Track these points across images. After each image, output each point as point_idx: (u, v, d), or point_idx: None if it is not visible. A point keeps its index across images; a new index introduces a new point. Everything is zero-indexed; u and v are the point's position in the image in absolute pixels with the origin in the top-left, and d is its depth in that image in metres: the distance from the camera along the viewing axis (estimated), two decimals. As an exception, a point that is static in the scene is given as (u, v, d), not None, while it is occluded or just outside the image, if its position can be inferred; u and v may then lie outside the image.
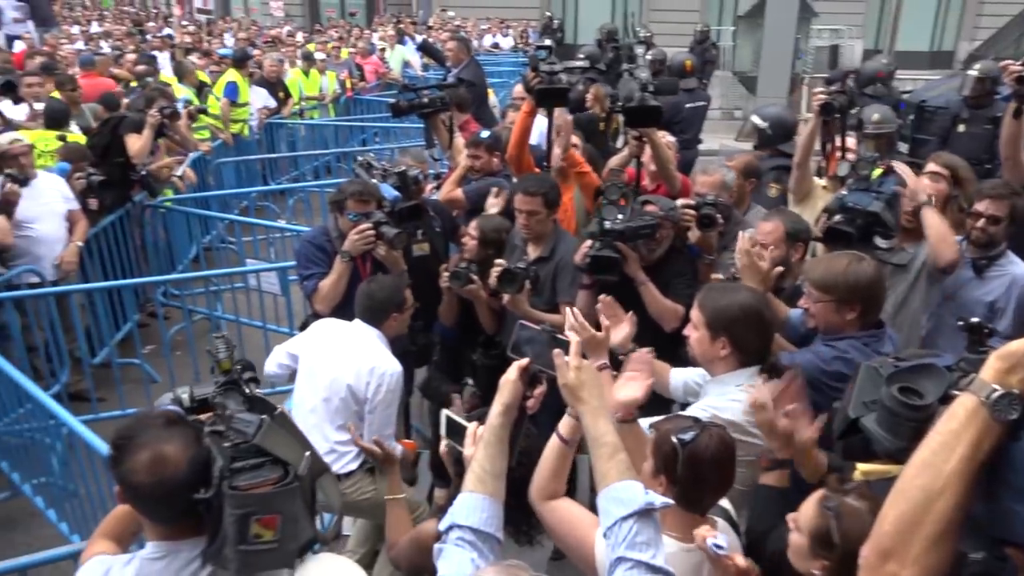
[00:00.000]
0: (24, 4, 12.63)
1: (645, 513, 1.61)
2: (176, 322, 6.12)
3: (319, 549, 3.61)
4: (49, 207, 5.26)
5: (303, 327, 3.82)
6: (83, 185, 5.51)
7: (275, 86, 9.83)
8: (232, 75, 9.05)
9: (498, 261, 3.50)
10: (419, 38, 13.45)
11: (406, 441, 3.39)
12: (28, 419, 4.51)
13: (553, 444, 1.98)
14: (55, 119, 6.15)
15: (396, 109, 5.15)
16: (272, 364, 3.42)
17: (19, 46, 11.91)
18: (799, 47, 14.18)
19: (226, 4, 23.76)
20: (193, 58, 10.27)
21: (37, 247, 5.16)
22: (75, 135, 6.20)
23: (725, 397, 2.40)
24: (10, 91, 6.21)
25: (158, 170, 6.36)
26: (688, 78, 7.98)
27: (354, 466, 3.23)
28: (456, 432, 2.27)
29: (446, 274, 3.68)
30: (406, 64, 13.61)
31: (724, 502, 2.17)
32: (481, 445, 1.84)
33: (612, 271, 3.26)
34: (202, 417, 1.91)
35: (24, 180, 5.02)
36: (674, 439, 1.97)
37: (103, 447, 3.17)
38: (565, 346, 1.82)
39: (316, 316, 3.71)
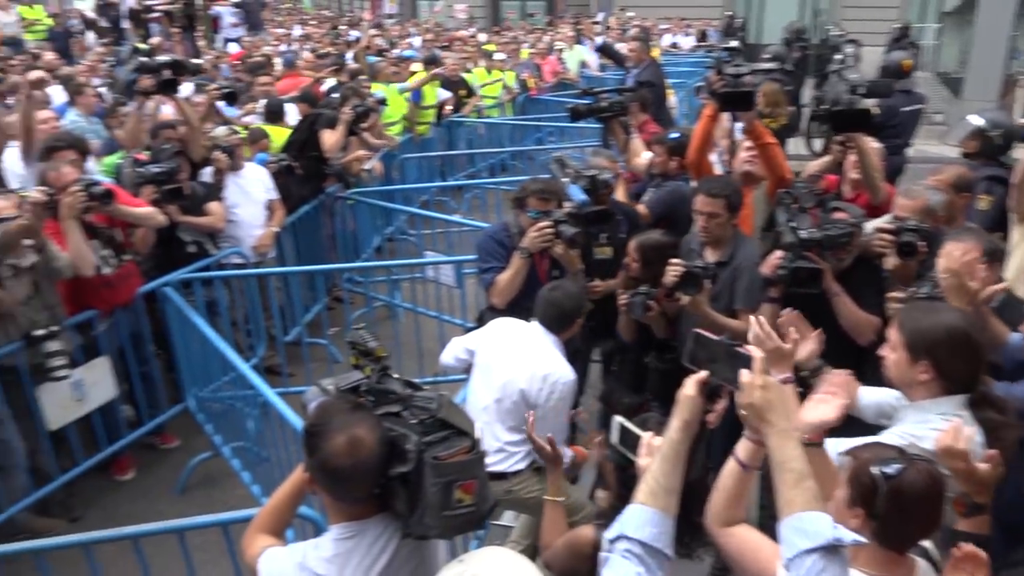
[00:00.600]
0: (240, 11, 13.85)
1: (832, 548, 1.52)
2: (359, 307, 6.51)
3: (484, 536, 3.72)
4: (251, 195, 5.75)
5: (479, 320, 3.93)
6: (275, 169, 5.97)
7: (456, 85, 10.18)
8: (420, 77, 9.47)
9: (676, 261, 3.42)
10: (598, 39, 13.45)
11: (578, 448, 3.41)
12: (230, 387, 4.97)
13: (731, 469, 1.91)
14: (274, 113, 6.73)
15: (575, 113, 5.19)
16: (449, 355, 3.54)
17: (233, 48, 13.11)
18: (1015, 45, 12.86)
19: (413, 7, 24.93)
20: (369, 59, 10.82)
21: (239, 231, 5.66)
22: (281, 129, 6.74)
23: (926, 426, 2.22)
24: (233, 100, 6.83)
25: (349, 164, 6.77)
26: (905, 79, 7.44)
27: (522, 465, 3.28)
28: (628, 440, 2.24)
29: (623, 298, 3.66)
30: (583, 64, 13.65)
31: (925, 541, 2.01)
32: (658, 458, 1.80)
33: (813, 283, 3.11)
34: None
35: (234, 167, 5.54)
36: (876, 471, 1.82)
37: (294, 419, 3.43)
38: (746, 361, 1.74)
39: (492, 309, 3.81)
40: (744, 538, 1.91)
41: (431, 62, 9.85)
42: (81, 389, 4.35)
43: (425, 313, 5.85)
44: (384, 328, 6.13)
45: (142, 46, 7.77)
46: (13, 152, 5.23)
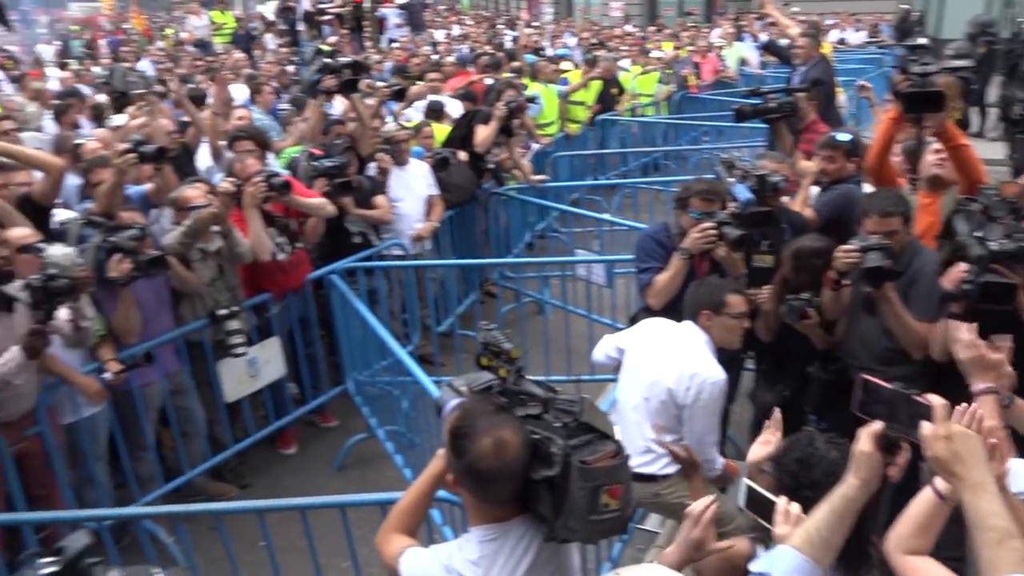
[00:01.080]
0: (404, 12, 14.42)
1: None
2: (508, 302, 6.61)
3: (628, 540, 3.66)
4: (413, 190, 5.96)
5: (632, 320, 3.89)
6: (432, 161, 6.15)
7: (609, 84, 10.12)
8: (575, 76, 9.52)
9: (848, 248, 3.21)
10: (762, 36, 12.95)
11: (730, 463, 3.30)
12: (386, 373, 5.19)
13: (926, 498, 1.77)
14: (436, 112, 6.97)
15: (740, 114, 5.02)
16: (600, 352, 3.53)
17: (396, 47, 13.67)
18: None
19: (568, 5, 25.04)
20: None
21: (400, 223, 5.88)
22: (443, 127, 6.95)
23: None
24: (400, 97, 7.10)
25: (503, 161, 6.87)
26: None
27: (671, 469, 3.20)
28: (759, 504, 2.11)
29: (768, 301, 3.50)
30: (743, 62, 13.21)
31: None
32: (826, 508, 1.71)
33: (1005, 300, 2.85)
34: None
35: (399, 162, 5.77)
36: None
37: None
38: (925, 410, 1.61)
39: (647, 310, 3.76)
40: (925, 571, 1.77)
41: (589, 63, 9.85)
42: (255, 366, 4.67)
43: (574, 311, 5.85)
44: (532, 325, 6.19)
45: (325, 48, 8.25)
46: (205, 148, 5.71)
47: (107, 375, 3.86)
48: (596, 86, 9.71)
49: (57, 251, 3.45)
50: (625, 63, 11.46)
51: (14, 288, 3.45)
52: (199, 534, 4.04)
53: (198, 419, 4.51)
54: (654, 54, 11.59)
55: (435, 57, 10.99)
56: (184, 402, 4.45)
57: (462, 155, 6.27)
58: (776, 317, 3.59)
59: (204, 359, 4.48)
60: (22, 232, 3.75)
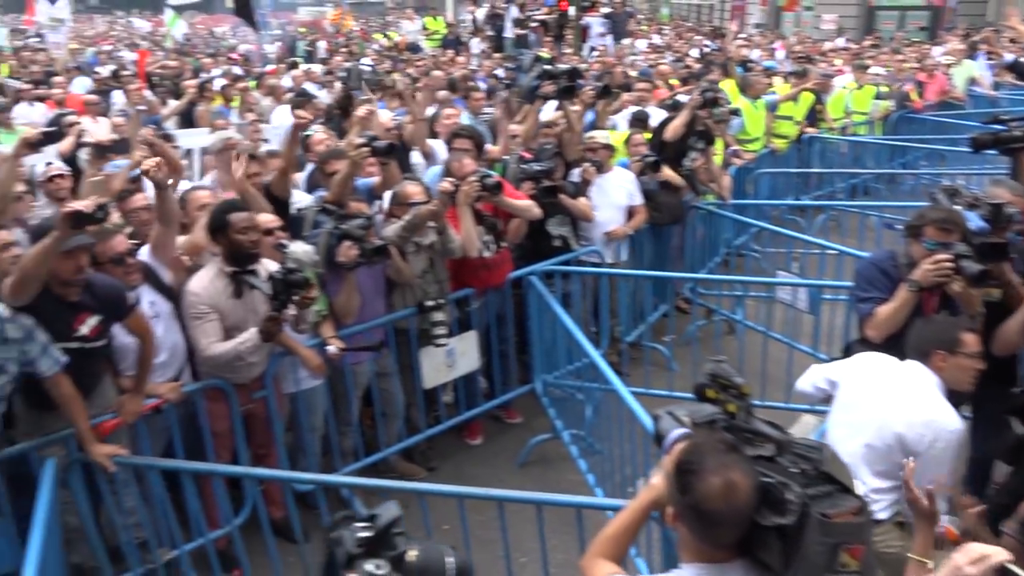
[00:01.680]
0: (608, 21, 14.52)
1: None
2: (700, 318, 6.47)
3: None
4: (612, 199, 5.97)
5: (846, 352, 3.68)
6: (640, 167, 6.12)
7: (818, 99, 9.62)
8: (783, 90, 9.15)
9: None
10: (1007, 55, 11.79)
11: (949, 529, 3.04)
12: (572, 377, 5.25)
13: None
14: (640, 121, 6.98)
15: (978, 142, 4.61)
16: (807, 383, 3.35)
17: (595, 55, 13.77)
18: None
19: (776, 17, 24.09)
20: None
21: (596, 231, 5.92)
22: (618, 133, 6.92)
23: None
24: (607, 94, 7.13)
25: (697, 168, 6.72)
26: None
27: (885, 515, 2.99)
28: None
29: None
30: (971, 82, 12.10)
31: None
32: None
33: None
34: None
35: (600, 168, 5.82)
36: None
37: (645, 418, 3.51)
38: None
39: (864, 343, 3.54)
40: None
41: (798, 76, 9.43)
42: (453, 357, 4.89)
43: (772, 335, 5.61)
44: (724, 345, 6.02)
45: (544, 54, 8.50)
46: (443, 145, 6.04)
47: (331, 349, 4.19)
48: (806, 101, 9.28)
49: (299, 248, 3.82)
50: (840, 79, 10.87)
51: (258, 279, 3.85)
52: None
53: (398, 402, 4.79)
54: (873, 69, 10.87)
55: (640, 67, 10.98)
56: (388, 385, 4.74)
57: (667, 173, 6.17)
58: None
59: (408, 346, 4.75)
60: (269, 217, 4.17)
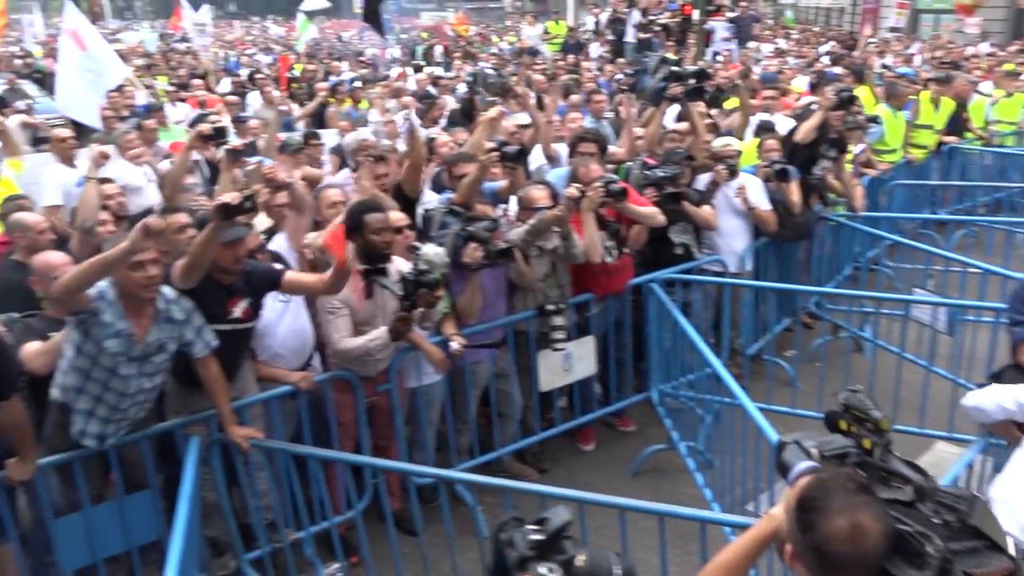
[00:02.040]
0: (733, 25, 14.17)
1: None
2: (824, 334, 6.20)
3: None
4: (736, 207, 5.82)
5: (995, 378, 3.44)
6: (767, 173, 5.93)
7: (960, 108, 9.06)
8: (924, 98, 8.68)
9: None
10: None
11: None
12: (689, 388, 5.15)
13: None
14: (767, 131, 6.78)
15: None
16: (990, 399, 3.06)
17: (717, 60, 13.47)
18: None
19: (914, 20, 22.85)
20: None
21: (719, 239, 5.79)
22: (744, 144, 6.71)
23: None
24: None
25: (827, 177, 6.45)
26: None
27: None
28: None
29: None
30: None
31: None
32: None
33: None
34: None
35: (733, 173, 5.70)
36: None
37: (772, 434, 3.40)
38: None
39: (1017, 369, 3.30)
40: None
41: (940, 82, 8.92)
42: (570, 361, 4.89)
43: (906, 357, 5.30)
44: (852, 363, 5.75)
45: (671, 56, 8.40)
46: (538, 149, 6.09)
47: (453, 345, 4.28)
48: (947, 108, 8.76)
49: (431, 250, 3.92)
50: (984, 86, 10.21)
51: (388, 279, 3.98)
52: (500, 509, 4.35)
53: (515, 403, 4.84)
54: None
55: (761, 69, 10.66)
56: (505, 385, 4.79)
57: (793, 193, 5.95)
58: None
59: (527, 348, 4.78)
60: (400, 215, 4.30)
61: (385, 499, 3.91)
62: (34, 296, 4.07)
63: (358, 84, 10.79)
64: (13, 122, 7.86)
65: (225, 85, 12.09)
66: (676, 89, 5.55)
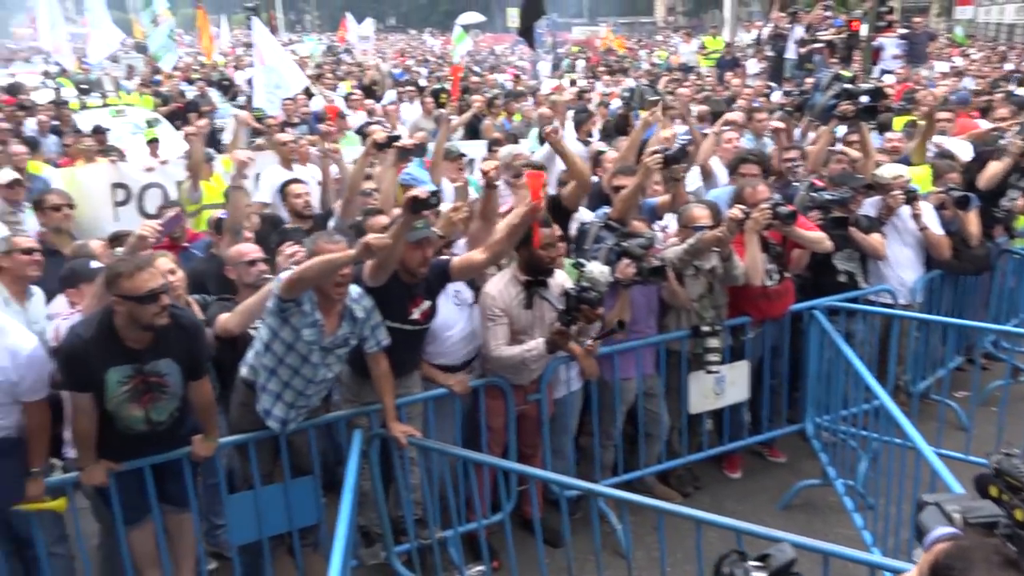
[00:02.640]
0: (905, 43, 13.40)
1: None
2: (999, 376, 5.73)
3: None
4: (906, 236, 5.46)
5: None
6: (941, 199, 5.54)
7: None
8: None
9: None
10: None
11: None
12: (846, 422, 4.88)
13: None
14: (944, 155, 6.38)
15: None
16: None
17: (888, 79, 12.76)
18: None
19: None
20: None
21: (887, 269, 5.47)
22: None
23: None
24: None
25: (1017, 208, 5.96)
26: None
27: None
28: None
29: None
30: None
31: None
32: None
33: None
34: None
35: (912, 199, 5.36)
36: None
37: (950, 479, 3.18)
38: None
39: None
40: None
41: None
42: (722, 385, 4.77)
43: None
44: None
45: (845, 73, 8.06)
46: (696, 171, 5.99)
47: (587, 342, 4.26)
48: None
49: (595, 268, 3.95)
50: None
51: (548, 291, 4.05)
52: (642, 528, 4.29)
53: (663, 423, 4.77)
54: None
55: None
56: (653, 405, 4.73)
57: (971, 223, 5.54)
58: None
59: (678, 369, 4.70)
60: (558, 232, 4.33)
61: (535, 507, 3.96)
62: (225, 286, 4.46)
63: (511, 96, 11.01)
64: (232, 123, 8.49)
65: (391, 95, 12.68)
66: (847, 107, 5.30)
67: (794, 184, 5.56)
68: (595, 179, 5.49)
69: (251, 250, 4.20)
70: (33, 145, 8.23)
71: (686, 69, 16.51)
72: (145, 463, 3.58)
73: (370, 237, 3.27)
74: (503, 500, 4.20)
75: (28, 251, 4.10)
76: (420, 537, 4.14)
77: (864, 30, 14.11)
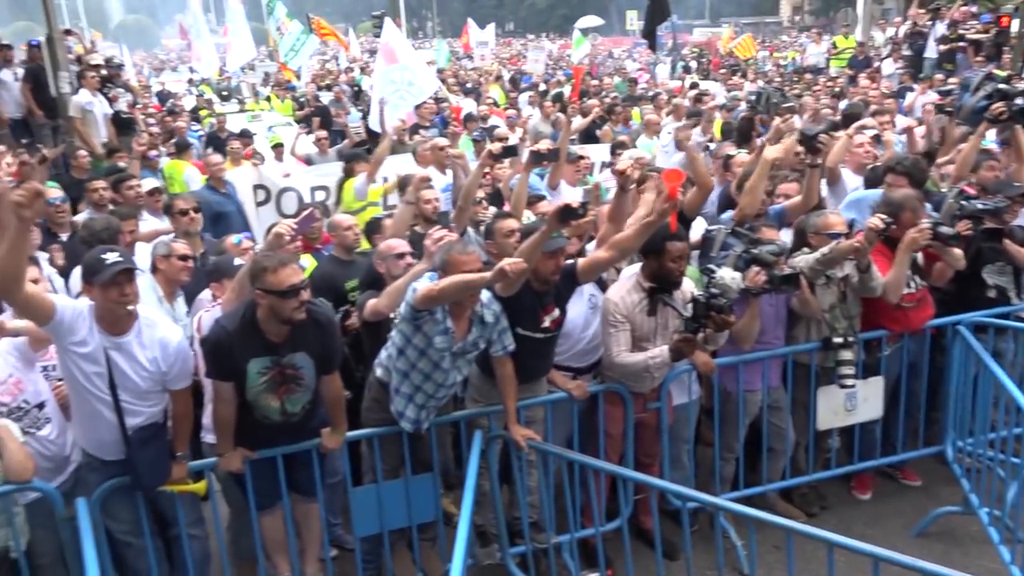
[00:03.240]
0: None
1: None
2: None
3: None
4: None
5: None
6: None
7: None
8: None
9: None
10: None
11: None
12: (992, 447, 4.53)
13: None
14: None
15: None
16: None
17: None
18: None
19: None
20: None
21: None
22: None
23: None
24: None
25: None
26: None
27: None
28: None
29: None
30: None
31: None
32: None
33: None
34: None
35: None
36: None
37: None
38: None
39: None
40: None
41: None
42: (854, 401, 4.53)
43: None
44: None
45: (999, 72, 7.54)
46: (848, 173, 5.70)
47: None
48: None
49: (727, 274, 3.86)
50: None
51: (673, 299, 3.98)
52: (763, 547, 4.12)
53: (788, 438, 4.58)
54: None
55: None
56: (778, 419, 4.55)
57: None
58: None
59: (806, 382, 4.51)
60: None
61: (656, 517, 3.90)
62: (344, 289, 4.63)
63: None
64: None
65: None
66: (999, 108, 4.93)
67: (941, 191, 5.23)
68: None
69: (400, 244, 4.36)
70: (183, 148, 8.78)
71: (815, 71, 15.85)
72: (277, 452, 3.74)
73: (506, 263, 3.28)
74: (620, 508, 4.14)
75: (184, 257, 4.42)
76: (535, 540, 4.14)
77: (1015, 26, 13.12)
